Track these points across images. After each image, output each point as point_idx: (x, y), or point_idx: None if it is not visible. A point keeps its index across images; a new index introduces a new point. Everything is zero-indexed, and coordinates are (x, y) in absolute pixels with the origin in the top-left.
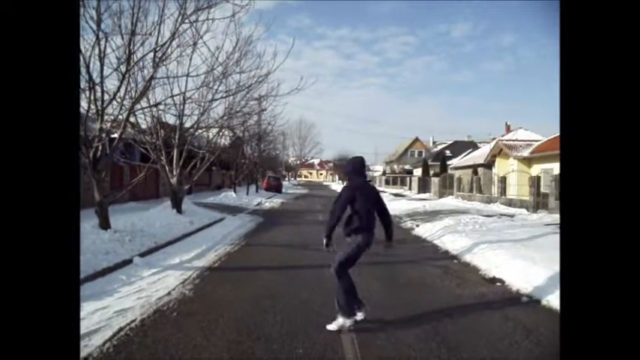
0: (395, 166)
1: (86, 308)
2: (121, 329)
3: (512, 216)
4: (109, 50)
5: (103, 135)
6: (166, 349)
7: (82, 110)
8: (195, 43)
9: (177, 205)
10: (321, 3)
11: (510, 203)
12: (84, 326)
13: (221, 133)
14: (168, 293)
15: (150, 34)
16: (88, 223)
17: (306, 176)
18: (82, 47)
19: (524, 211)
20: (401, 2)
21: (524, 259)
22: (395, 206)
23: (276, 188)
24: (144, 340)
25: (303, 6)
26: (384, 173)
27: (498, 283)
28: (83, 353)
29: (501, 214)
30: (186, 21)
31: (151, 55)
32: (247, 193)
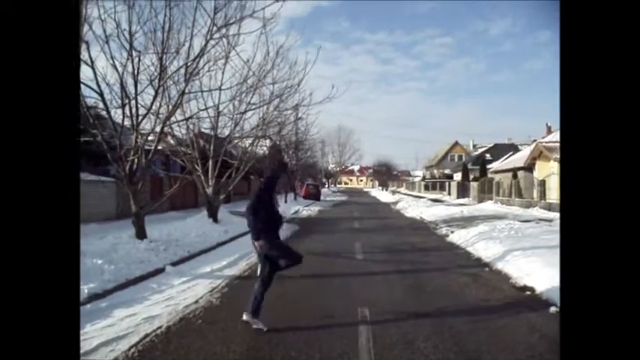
0: (435, 171)
1: (116, 315)
2: (146, 335)
3: (550, 221)
4: (142, 67)
5: (138, 148)
6: (187, 355)
7: (117, 124)
8: (226, 57)
9: (213, 215)
10: (357, 4)
11: (550, 207)
12: (113, 332)
13: (256, 143)
14: (196, 301)
15: (177, 51)
16: (126, 233)
17: (346, 183)
18: (117, 64)
19: None
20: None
21: (558, 268)
22: (432, 212)
23: (314, 196)
24: (167, 346)
25: (340, 9)
26: (423, 178)
27: (528, 292)
28: (110, 357)
29: (540, 219)
30: (216, 35)
31: (183, 70)
32: (285, 201)
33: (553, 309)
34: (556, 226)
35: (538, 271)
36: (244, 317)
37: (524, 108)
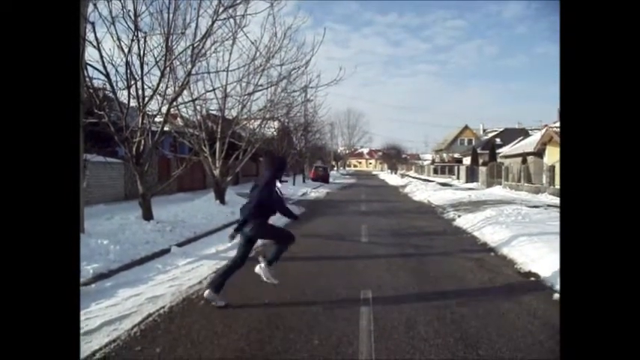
0: (444, 155)
1: (121, 294)
2: (149, 315)
3: (559, 207)
4: (148, 48)
5: (145, 129)
6: (189, 335)
7: (123, 105)
8: (233, 38)
9: (220, 196)
10: None
11: (559, 193)
12: (116, 311)
13: (264, 124)
14: (200, 282)
15: (183, 32)
16: (133, 214)
17: (355, 165)
18: (123, 45)
19: None
20: None
21: None
22: (440, 196)
23: (323, 178)
24: (169, 326)
25: None
26: (432, 162)
27: (532, 278)
28: (112, 336)
29: (548, 205)
30: (222, 16)
31: (190, 50)
32: (294, 183)
33: (556, 296)
34: None
35: (544, 257)
36: (205, 294)
37: (535, 92)
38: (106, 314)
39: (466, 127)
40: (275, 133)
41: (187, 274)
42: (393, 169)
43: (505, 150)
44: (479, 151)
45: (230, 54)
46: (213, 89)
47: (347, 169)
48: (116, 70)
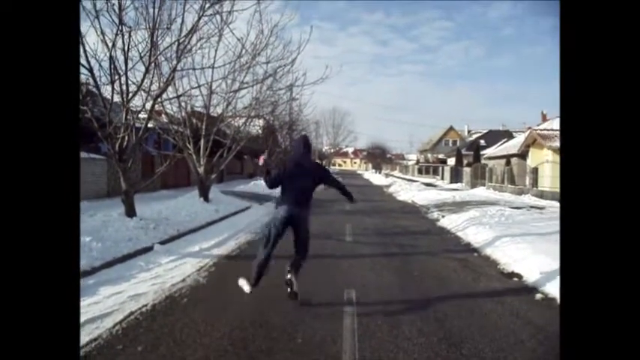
0: (429, 155)
1: (102, 292)
2: (131, 313)
3: (542, 208)
4: (133, 43)
5: (128, 125)
6: (171, 334)
7: (107, 100)
8: (220, 34)
9: (204, 194)
10: None
11: (542, 195)
12: (98, 309)
13: (249, 122)
14: (183, 280)
15: (168, 27)
16: (116, 211)
17: (340, 165)
18: (107, 40)
19: (555, 203)
20: None
21: (547, 255)
22: (424, 196)
23: None
24: (151, 324)
25: None
26: (417, 162)
27: (515, 279)
28: (94, 334)
29: (531, 207)
30: (209, 12)
31: (176, 46)
32: None
33: (539, 296)
34: (546, 213)
35: (527, 257)
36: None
37: (520, 95)
38: (88, 312)
39: (451, 128)
40: (260, 131)
41: (170, 272)
42: (378, 168)
43: (489, 151)
44: (463, 152)
45: (216, 51)
46: (199, 86)
47: (331, 168)
48: (100, 65)
